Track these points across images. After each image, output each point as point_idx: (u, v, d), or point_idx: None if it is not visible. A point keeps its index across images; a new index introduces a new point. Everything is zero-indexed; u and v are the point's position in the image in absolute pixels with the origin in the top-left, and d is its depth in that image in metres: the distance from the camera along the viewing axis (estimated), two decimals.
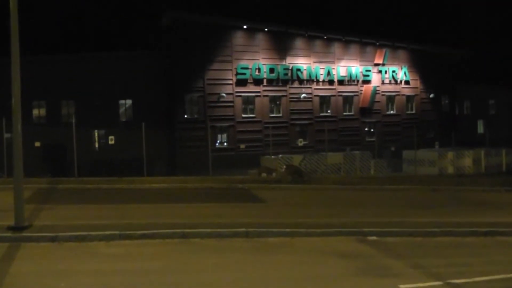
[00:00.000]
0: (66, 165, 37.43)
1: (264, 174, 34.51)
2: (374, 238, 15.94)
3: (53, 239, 14.05)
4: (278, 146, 46.21)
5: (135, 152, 34.70)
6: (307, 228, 16.15)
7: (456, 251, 15.07)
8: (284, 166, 35.63)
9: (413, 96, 60.04)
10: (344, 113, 55.21)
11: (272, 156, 40.87)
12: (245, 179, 31.62)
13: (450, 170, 42.34)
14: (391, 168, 44.10)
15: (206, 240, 14.74)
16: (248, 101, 50.37)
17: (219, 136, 49.24)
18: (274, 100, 51.52)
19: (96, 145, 46.81)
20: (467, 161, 43.72)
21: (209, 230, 15.34)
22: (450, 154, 43.49)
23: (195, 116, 48.58)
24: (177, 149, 46.66)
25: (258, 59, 51.02)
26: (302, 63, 53.13)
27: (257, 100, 50.56)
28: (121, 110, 48.28)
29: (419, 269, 12.58)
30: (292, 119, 52.09)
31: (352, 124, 55.34)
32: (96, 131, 46.24)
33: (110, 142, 42.65)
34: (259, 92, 50.69)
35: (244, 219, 17.41)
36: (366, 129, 56.48)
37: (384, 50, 57.79)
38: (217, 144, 48.36)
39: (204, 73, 48.94)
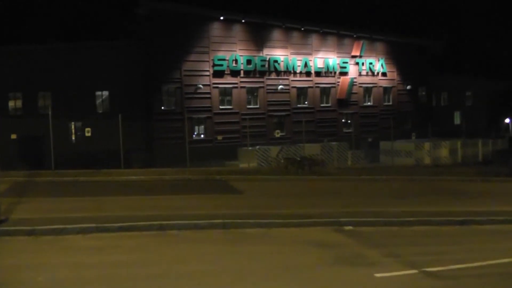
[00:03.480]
0: (43, 157, 37.14)
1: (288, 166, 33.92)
2: (350, 228, 16.05)
3: (30, 233, 13.90)
4: (255, 138, 46.24)
5: (112, 144, 34.53)
6: (284, 219, 16.21)
7: (432, 240, 15.20)
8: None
9: (390, 87, 60.45)
10: (322, 105, 55.48)
11: (250, 148, 40.97)
12: (222, 170, 31.73)
13: (427, 160, 42.79)
14: (368, 159, 44.56)
15: (183, 232, 14.72)
16: (225, 93, 50.33)
17: (196, 127, 49.22)
18: (251, 91, 51.54)
19: (73, 137, 46.56)
20: (443, 152, 44.17)
21: (186, 221, 15.32)
22: (427, 145, 43.95)
23: (173, 107, 48.47)
24: (155, 141, 46.53)
25: (235, 51, 50.97)
26: (280, 54, 53.18)
27: (234, 91, 50.55)
28: (98, 101, 48.01)
29: (395, 257, 12.69)
30: (270, 111, 52.19)
31: (329, 115, 55.61)
32: (72, 123, 45.98)
33: (86, 134, 42.35)
34: (236, 83, 50.67)
35: (221, 211, 17.45)
36: (343, 120, 56.82)
37: (361, 42, 58.03)
38: (194, 135, 48.33)
39: (181, 64, 48.82)
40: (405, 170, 34.78)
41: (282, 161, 35.20)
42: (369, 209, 18.86)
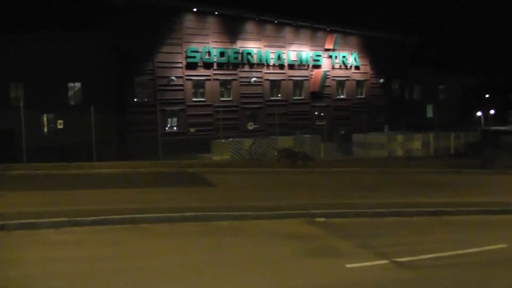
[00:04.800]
0: (14, 150, 36.74)
1: (282, 160, 33.71)
2: (322, 219, 16.18)
3: (1, 228, 13.74)
4: (228, 130, 46.11)
5: (84, 137, 34.23)
6: (256, 211, 16.30)
7: (403, 230, 15.41)
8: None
9: (363, 81, 60.88)
10: (295, 97, 55.79)
11: (223, 140, 40.94)
12: (195, 163, 31.69)
13: (400, 152, 43.13)
14: (341, 151, 44.73)
15: (156, 225, 14.70)
16: (199, 85, 50.26)
17: (169, 120, 49.09)
18: (224, 84, 51.54)
19: (45, 130, 46.09)
20: (416, 144, 44.52)
21: (159, 215, 15.30)
22: (400, 137, 44.33)
23: (145, 99, 48.29)
24: (127, 133, 46.30)
25: (208, 43, 50.90)
26: (253, 47, 53.22)
27: (207, 83, 50.49)
28: (70, 93, 47.61)
29: (366, 248, 12.85)
30: (243, 103, 52.28)
31: (302, 108, 55.88)
32: (45, 115, 45.49)
33: (59, 127, 42.01)
34: (209, 75, 50.62)
35: (194, 203, 17.47)
36: (316, 113, 57.15)
37: (334, 35, 58.30)
38: (167, 128, 48.14)
39: (154, 55, 48.64)
40: (377, 162, 35.01)
41: (276, 153, 35.04)
42: (341, 201, 19.01)
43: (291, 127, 52.22)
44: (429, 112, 70.90)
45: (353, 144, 46.49)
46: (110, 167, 28.33)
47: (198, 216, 15.49)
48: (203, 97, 50.52)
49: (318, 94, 56.82)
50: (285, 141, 40.56)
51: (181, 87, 49.31)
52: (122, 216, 14.97)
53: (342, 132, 52.15)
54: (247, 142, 40.54)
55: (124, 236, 13.67)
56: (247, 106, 52.68)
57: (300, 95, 56.32)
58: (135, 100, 47.99)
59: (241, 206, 17.13)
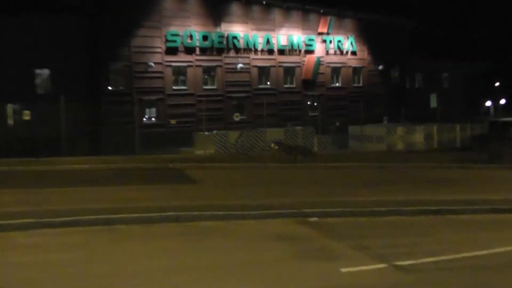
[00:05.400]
0: None
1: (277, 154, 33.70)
2: (315, 219, 16.18)
3: None
4: (212, 122, 45.64)
5: (54, 129, 34.09)
6: (243, 210, 16.27)
7: (403, 231, 15.39)
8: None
9: (361, 68, 60.97)
10: (285, 86, 55.93)
11: (206, 133, 40.86)
12: (176, 157, 31.75)
13: (400, 146, 43.27)
14: (336, 145, 44.81)
15: (132, 226, 14.67)
16: (179, 72, 50.14)
17: (147, 110, 49.11)
18: (208, 70, 51.41)
19: (10, 121, 45.69)
20: (418, 137, 44.66)
21: (136, 215, 15.27)
22: (400, 130, 44.50)
23: (121, 88, 48.07)
24: (101, 125, 46.04)
25: (190, 26, 50.73)
26: (239, 30, 53.15)
27: (189, 70, 50.35)
28: (38, 81, 47.28)
29: (363, 250, 12.85)
30: (228, 92, 52.26)
31: (293, 97, 55.93)
32: (9, 105, 45.10)
33: (25, 118, 41.75)
34: (191, 61, 50.48)
35: (174, 202, 17.43)
36: (309, 103, 57.35)
37: (328, 18, 58.32)
38: (145, 119, 48.02)
39: (130, 40, 48.38)
40: (375, 157, 35.21)
41: (275, 146, 34.65)
42: (335, 199, 19.00)
43: (282, 118, 52.38)
44: (433, 102, 71.05)
45: (349, 137, 46.62)
46: (82, 163, 28.28)
47: (179, 216, 15.44)
48: (184, 85, 50.37)
49: (311, 82, 56.86)
50: (274, 134, 40.62)
51: (160, 75, 49.13)
52: (96, 217, 14.90)
53: (338, 123, 52.32)
54: (233, 135, 40.52)
55: (98, 238, 13.60)
56: (233, 95, 52.59)
57: (291, 83, 56.40)
58: (110, 89, 47.78)
59: (227, 205, 17.08)
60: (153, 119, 49.20)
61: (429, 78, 71.83)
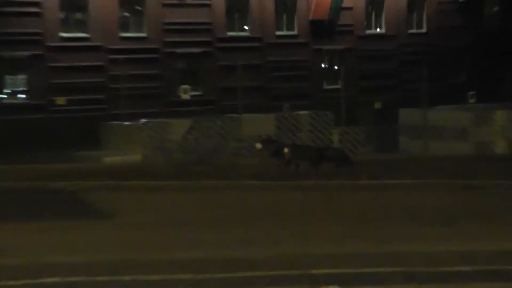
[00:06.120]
0: None
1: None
2: None
3: None
4: (140, 101, 30.77)
5: None
6: (186, 272, 9.70)
7: None
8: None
9: None
10: (278, 32, 37.15)
11: (127, 123, 27.92)
12: (69, 169, 22.22)
13: (501, 147, 29.33)
14: (375, 144, 30.96)
15: None
16: (74, 4, 33.40)
17: (9, 79, 32.88)
18: (128, 3, 34.37)
19: None
20: None
21: None
22: (500, 116, 30.05)
23: None
24: None
25: None
26: None
27: (92, 2, 33.42)
28: None
29: None
30: (169, 45, 34.38)
31: (294, 54, 37.04)
32: None
33: None
34: None
35: (59, 257, 10.79)
36: (323, 65, 38.72)
37: None
38: (5, 96, 32.24)
39: None
40: (454, 167, 23.53)
41: (260, 146, 24.27)
42: (374, 248, 11.83)
43: (271, 94, 35.76)
44: None
45: (400, 130, 31.59)
46: None
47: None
48: (84, 30, 33.00)
49: (327, 26, 37.01)
50: (257, 124, 27.86)
51: (36, 9, 31.91)
52: None
53: (378, 105, 34.46)
54: (179, 127, 27.72)
55: None
56: (179, 50, 34.24)
57: (290, 28, 37.14)
58: None
59: (158, 260, 10.53)
60: (22, 95, 32.76)
61: None
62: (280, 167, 21.81)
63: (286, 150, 22.08)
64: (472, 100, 34.16)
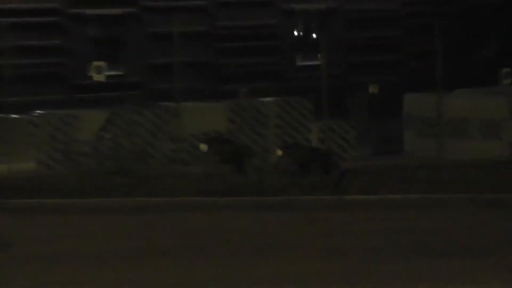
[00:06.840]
0: None
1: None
2: None
3: None
4: (34, 85, 25.11)
5: None
6: None
7: None
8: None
9: None
10: None
11: (15, 116, 22.48)
12: None
13: None
14: (370, 145, 25.22)
15: None
16: None
17: None
18: None
19: None
20: None
21: None
22: None
23: None
24: None
25: None
26: None
27: None
28: None
29: None
30: (75, 3, 27.70)
31: (255, 17, 29.72)
32: None
33: None
34: None
35: None
36: (295, 32, 31.34)
37: None
38: None
39: None
40: (480, 177, 18.99)
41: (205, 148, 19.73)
42: None
43: (222, 75, 28.91)
44: None
45: (405, 124, 25.97)
46: None
47: None
48: None
49: None
50: (201, 117, 22.77)
51: None
52: None
53: (374, 88, 27.62)
54: (89, 122, 22.49)
55: None
56: (89, 11, 27.69)
57: None
58: None
59: None
60: None
61: None
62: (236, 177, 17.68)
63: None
64: (506, 81, 27.48)
